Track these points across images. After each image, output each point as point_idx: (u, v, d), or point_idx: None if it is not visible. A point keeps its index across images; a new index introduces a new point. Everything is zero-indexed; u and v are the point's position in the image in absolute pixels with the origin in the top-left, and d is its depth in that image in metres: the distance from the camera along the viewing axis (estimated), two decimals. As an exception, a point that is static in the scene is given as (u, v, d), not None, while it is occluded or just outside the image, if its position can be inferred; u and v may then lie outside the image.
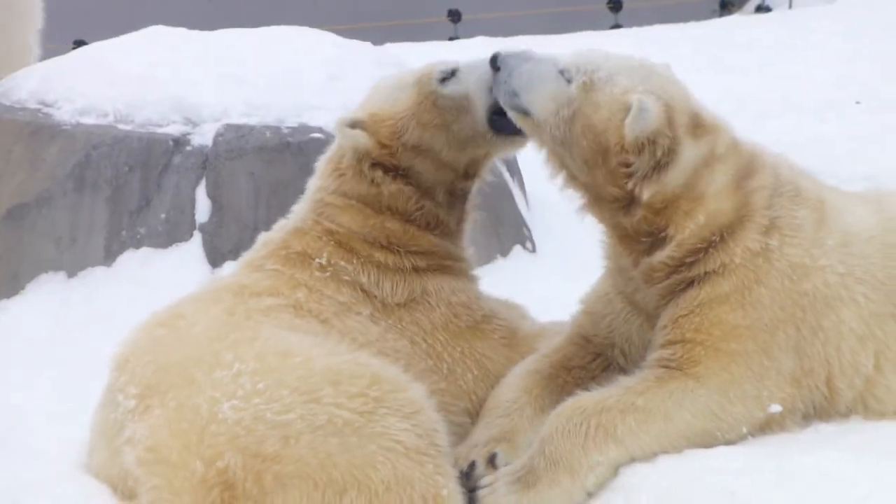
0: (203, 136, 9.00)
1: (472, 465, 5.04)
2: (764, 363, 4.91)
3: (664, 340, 5.04)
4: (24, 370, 7.27)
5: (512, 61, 5.40)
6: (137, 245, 8.69)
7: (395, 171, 5.75)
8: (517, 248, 9.50)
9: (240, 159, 8.85)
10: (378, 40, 13.25)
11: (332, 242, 5.63)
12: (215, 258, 8.67)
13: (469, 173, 5.95)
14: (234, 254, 8.19)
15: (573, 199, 5.38)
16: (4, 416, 6.26)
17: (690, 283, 5.07)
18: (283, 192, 8.40)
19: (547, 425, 4.89)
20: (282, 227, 5.79)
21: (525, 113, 5.34)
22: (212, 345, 4.76)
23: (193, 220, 8.81)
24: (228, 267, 8.22)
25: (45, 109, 9.17)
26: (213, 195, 8.82)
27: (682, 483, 4.56)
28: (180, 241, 8.78)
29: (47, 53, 10.99)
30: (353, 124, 5.72)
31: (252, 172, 8.81)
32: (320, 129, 9.08)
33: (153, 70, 9.50)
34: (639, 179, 5.06)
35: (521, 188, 10.09)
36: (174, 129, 9.05)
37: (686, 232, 5.06)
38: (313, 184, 5.93)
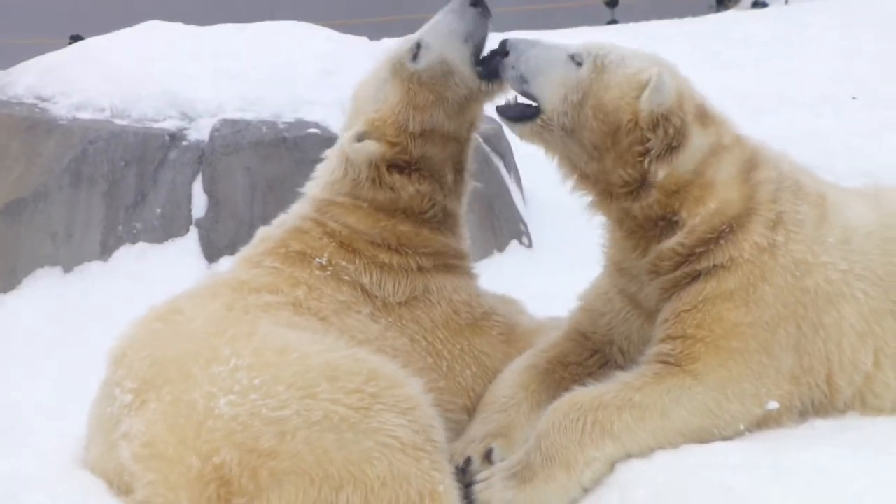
0: (199, 131, 9.01)
1: (469, 461, 5.04)
2: (763, 361, 4.91)
3: (664, 335, 5.04)
4: (20, 365, 7.28)
5: (521, 46, 5.39)
6: (134, 240, 8.70)
7: (410, 167, 5.75)
8: (514, 244, 9.52)
9: (236, 154, 8.86)
10: (374, 35, 13.23)
11: (334, 243, 5.62)
12: (211, 253, 8.68)
13: (469, 135, 5.97)
14: (231, 249, 8.20)
15: (582, 199, 5.38)
16: (1, 411, 6.26)
17: (696, 277, 5.07)
18: (280, 187, 8.43)
19: (543, 421, 4.89)
20: (281, 223, 5.78)
21: (532, 100, 5.34)
22: (209, 340, 4.74)
23: (189, 215, 8.82)
24: (225, 262, 8.24)
25: (42, 104, 9.18)
26: (209, 190, 8.83)
27: (679, 479, 4.56)
28: (176, 235, 8.79)
29: (44, 49, 10.98)
30: (359, 137, 5.69)
31: (248, 167, 8.82)
32: (316, 124, 9.09)
33: (149, 65, 9.51)
34: (654, 157, 5.08)
35: (517, 184, 10.10)
36: (170, 124, 9.07)
37: (697, 218, 5.06)
38: (318, 183, 5.89)
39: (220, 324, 4.87)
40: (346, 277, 5.54)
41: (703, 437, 4.81)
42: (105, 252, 8.65)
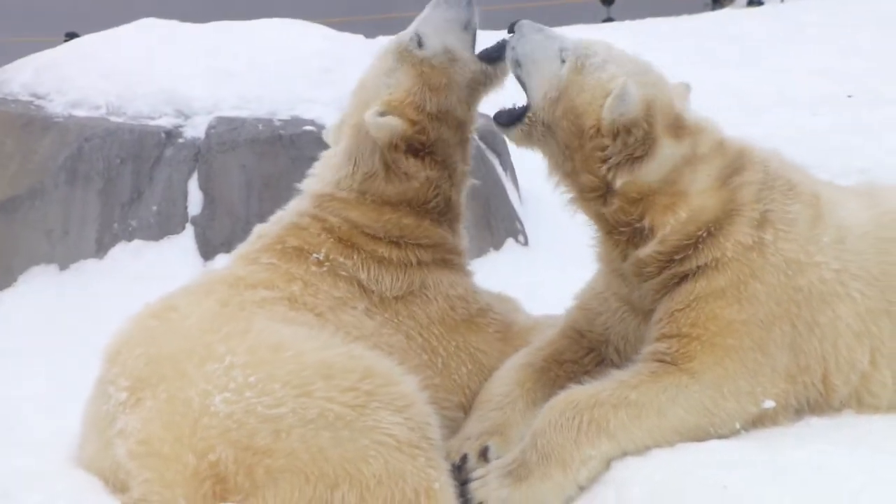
0: (195, 129, 9.01)
1: (464, 458, 5.04)
2: (759, 359, 4.91)
3: (659, 334, 5.04)
4: (16, 362, 7.27)
5: (525, 29, 5.49)
6: (129, 237, 8.70)
7: (425, 150, 5.80)
8: (510, 242, 9.52)
9: (232, 152, 8.86)
10: (370, 33, 13.23)
11: (332, 239, 5.62)
12: (207, 250, 8.68)
13: (474, 123, 6.05)
14: (226, 246, 8.20)
15: (564, 195, 5.41)
16: (-3, 408, 6.26)
17: (685, 278, 5.08)
18: (276, 185, 8.42)
19: (539, 419, 4.89)
20: (278, 220, 5.78)
21: (522, 86, 5.44)
22: (204, 337, 4.74)
23: (185, 213, 8.83)
24: (220, 259, 8.23)
25: (38, 102, 9.18)
26: (205, 188, 8.83)
27: (675, 477, 4.56)
28: (172, 233, 8.79)
29: (40, 46, 10.97)
30: (382, 114, 5.72)
31: (244, 165, 8.82)
32: (312, 122, 9.08)
33: (145, 63, 9.51)
34: (612, 165, 5.13)
35: (513, 182, 10.10)
36: (166, 122, 9.07)
37: (667, 228, 5.08)
38: (320, 180, 5.89)
39: (214, 321, 4.86)
40: (344, 273, 5.54)
41: (700, 436, 4.82)
42: (101, 249, 8.65)
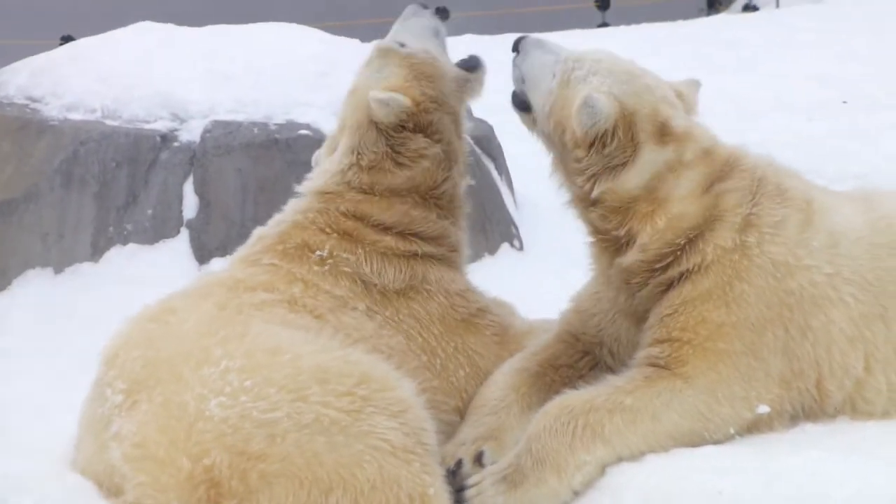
0: (190, 133, 9.01)
1: (459, 464, 5.05)
2: (752, 364, 4.91)
3: (652, 339, 5.05)
4: (11, 365, 7.27)
5: (529, 46, 5.59)
6: (124, 241, 8.69)
7: (429, 130, 5.87)
8: (505, 246, 9.51)
9: (227, 156, 8.85)
10: (366, 37, 13.22)
11: (336, 233, 5.64)
12: (202, 254, 8.67)
13: (463, 114, 6.17)
14: (221, 250, 8.20)
15: (562, 197, 5.47)
16: (-9, 411, 6.26)
17: (671, 284, 5.09)
18: (271, 189, 8.43)
19: (534, 424, 4.89)
20: (278, 222, 5.79)
21: (527, 107, 5.55)
22: (201, 340, 4.74)
23: (181, 217, 8.82)
24: (215, 263, 8.24)
25: (33, 105, 9.17)
26: (200, 191, 8.82)
27: (669, 482, 4.56)
28: (167, 237, 8.78)
29: (35, 49, 10.96)
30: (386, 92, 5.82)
31: (239, 169, 8.82)
32: (308, 126, 9.08)
33: (141, 66, 9.50)
34: (589, 176, 5.18)
35: (509, 187, 10.10)
36: (162, 125, 9.06)
37: (646, 236, 5.11)
38: (322, 178, 5.92)
39: (212, 324, 4.87)
40: (346, 269, 5.56)
41: (694, 441, 4.82)
42: (96, 253, 8.64)
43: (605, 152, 5.13)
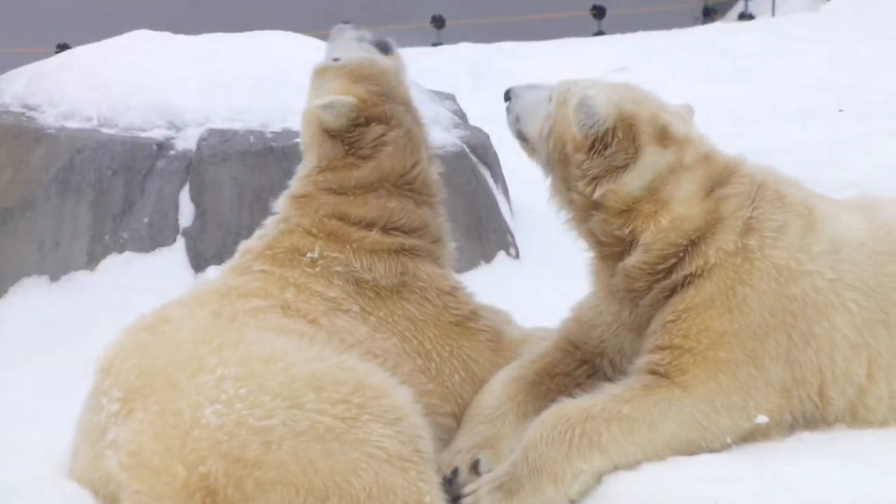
0: (187, 141, 8.99)
1: (455, 472, 5.05)
2: (752, 373, 4.92)
3: (653, 346, 5.06)
4: (7, 373, 7.26)
5: (520, 91, 5.70)
6: (121, 249, 8.67)
7: (381, 122, 5.93)
8: (501, 255, 9.49)
9: (223, 164, 8.84)
10: (362, 45, 13.21)
11: (323, 234, 5.68)
12: (199, 263, 8.66)
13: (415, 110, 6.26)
14: (218, 258, 8.19)
15: (561, 217, 5.55)
16: (-12, 420, 6.25)
17: (674, 290, 5.10)
18: (267, 197, 8.36)
19: (530, 432, 4.89)
20: (261, 234, 5.82)
21: (525, 139, 5.64)
22: (196, 349, 4.74)
23: (177, 225, 8.81)
24: (212, 271, 8.23)
25: (29, 113, 9.15)
26: (196, 200, 8.81)
27: (666, 491, 4.57)
28: (163, 245, 8.77)
29: (31, 57, 10.95)
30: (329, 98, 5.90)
31: (235, 177, 8.81)
32: (304, 135, 9.05)
33: (137, 74, 9.49)
34: (591, 178, 5.22)
35: (504, 195, 10.09)
36: (158, 134, 9.05)
37: (649, 235, 5.13)
38: (294, 185, 6.00)
39: (206, 332, 4.87)
40: (338, 268, 5.59)
41: (691, 450, 4.83)
42: (92, 261, 8.62)
43: (607, 153, 5.17)
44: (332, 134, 5.86)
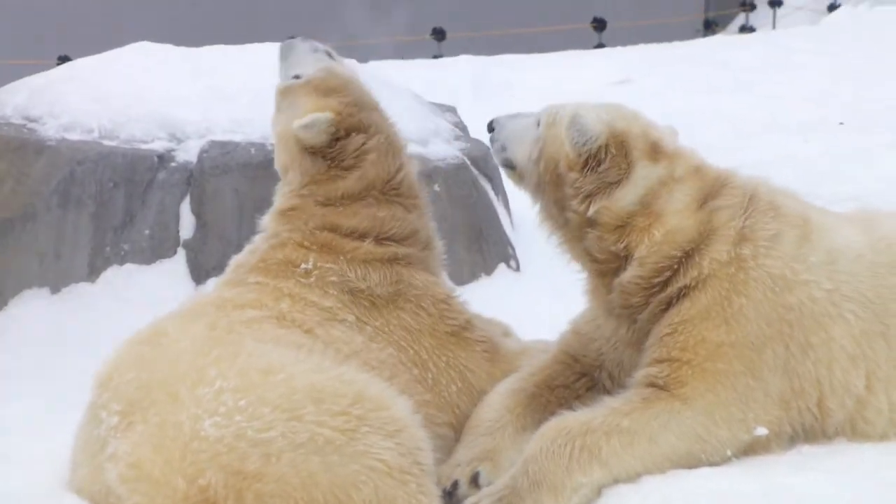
0: (187, 153, 9.00)
1: (455, 485, 5.05)
2: (750, 384, 4.92)
3: (651, 359, 5.06)
4: (7, 385, 7.25)
5: (503, 121, 5.74)
6: (121, 261, 8.67)
7: (360, 131, 5.94)
8: (501, 267, 9.49)
9: (224, 176, 8.85)
10: (363, 57, 13.25)
11: (316, 246, 5.68)
12: (199, 274, 8.66)
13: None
14: (218, 270, 8.16)
15: (554, 241, 5.58)
16: (-12, 432, 6.24)
17: (670, 303, 5.11)
18: (267, 209, 8.40)
19: (530, 445, 4.89)
20: (252, 250, 5.83)
21: (511, 167, 5.66)
22: (194, 361, 4.74)
23: (177, 237, 8.81)
24: (212, 283, 8.22)
25: (30, 125, 9.15)
26: (197, 211, 8.82)
27: (666, 504, 4.56)
28: (164, 257, 8.77)
29: (32, 69, 10.96)
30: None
31: (236, 189, 8.81)
32: (304, 146, 9.05)
33: (138, 86, 9.49)
34: (585, 195, 5.25)
35: (505, 207, 10.09)
36: (159, 146, 9.05)
37: (644, 248, 5.15)
38: (280, 200, 6.02)
39: (204, 344, 4.86)
40: (333, 278, 5.60)
41: (691, 463, 4.83)
42: (93, 273, 8.63)
43: (600, 170, 5.20)
44: (311, 151, 5.87)
